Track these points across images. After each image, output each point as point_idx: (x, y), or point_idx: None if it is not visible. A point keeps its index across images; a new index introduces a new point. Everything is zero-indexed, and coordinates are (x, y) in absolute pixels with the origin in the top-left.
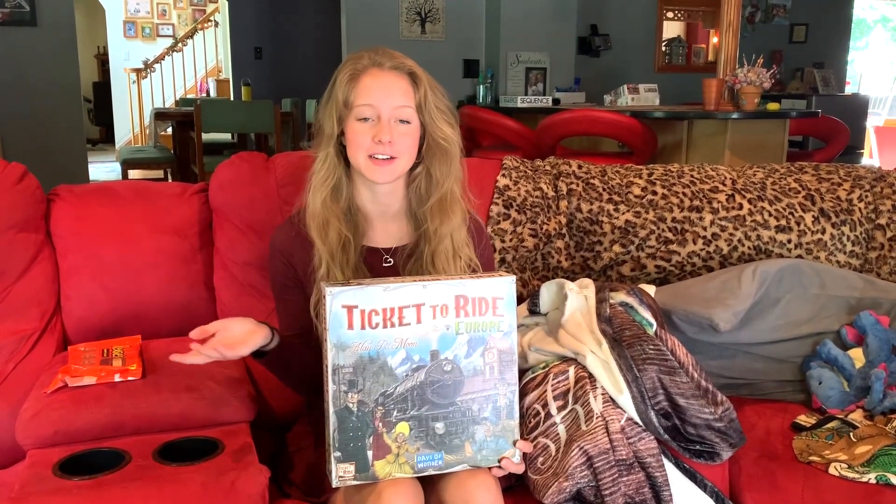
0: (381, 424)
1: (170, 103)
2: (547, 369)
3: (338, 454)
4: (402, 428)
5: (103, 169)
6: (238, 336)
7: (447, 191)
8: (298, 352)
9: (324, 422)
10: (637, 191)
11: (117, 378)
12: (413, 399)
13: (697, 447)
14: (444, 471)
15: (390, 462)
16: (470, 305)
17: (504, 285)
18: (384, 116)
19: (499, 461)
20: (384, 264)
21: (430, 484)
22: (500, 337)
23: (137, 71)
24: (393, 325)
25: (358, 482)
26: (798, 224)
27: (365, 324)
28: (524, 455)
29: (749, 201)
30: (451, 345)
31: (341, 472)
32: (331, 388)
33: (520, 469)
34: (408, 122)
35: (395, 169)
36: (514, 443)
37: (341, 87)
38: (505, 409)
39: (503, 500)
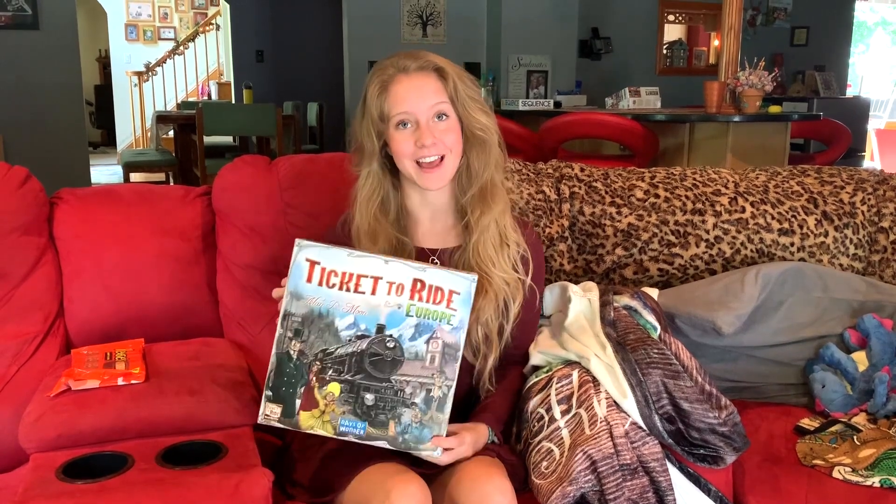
0: (314, 379)
1: (171, 106)
2: (550, 373)
3: (269, 394)
4: (334, 388)
5: (105, 172)
6: None
7: (486, 180)
8: None
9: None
10: (639, 194)
11: (120, 381)
12: (350, 364)
13: (701, 451)
14: (364, 442)
15: (315, 416)
16: (425, 292)
17: (464, 282)
18: (422, 120)
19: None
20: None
21: (440, 485)
22: (449, 330)
23: (139, 74)
24: (348, 290)
25: (281, 425)
26: (801, 227)
27: (323, 281)
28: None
29: (752, 204)
30: (399, 324)
31: (268, 412)
32: (278, 331)
33: (441, 462)
34: (446, 116)
35: (444, 171)
36: (433, 440)
37: (373, 102)
38: (437, 401)
39: None
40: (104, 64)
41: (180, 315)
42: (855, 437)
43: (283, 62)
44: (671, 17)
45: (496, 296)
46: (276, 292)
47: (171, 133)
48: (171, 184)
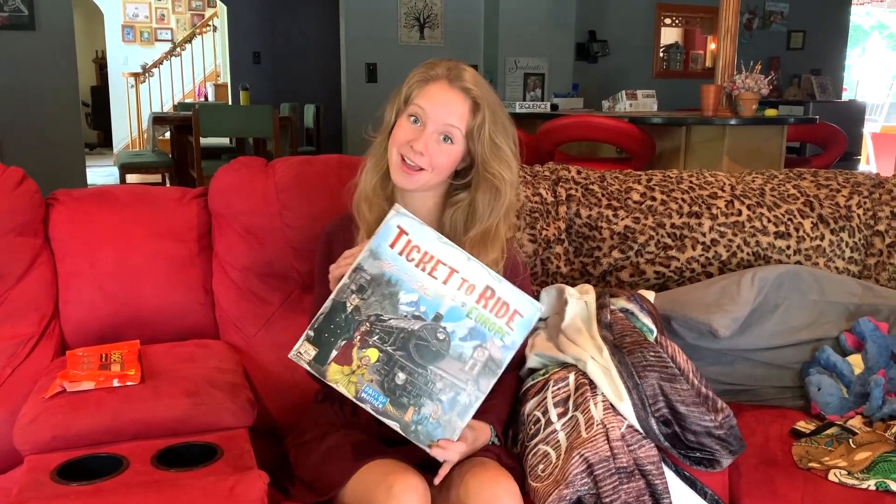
0: (358, 337)
1: (168, 108)
2: (547, 376)
3: (310, 333)
4: (372, 353)
5: (101, 173)
6: None
7: (491, 226)
8: None
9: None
10: (636, 196)
11: (116, 383)
12: (397, 338)
13: (697, 454)
14: (379, 416)
15: (344, 373)
16: (493, 301)
17: (531, 308)
18: (429, 127)
19: (429, 446)
20: None
21: (441, 485)
22: (500, 346)
23: (136, 75)
24: (423, 270)
25: (309, 368)
26: (797, 230)
27: (404, 251)
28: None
29: (748, 207)
30: (457, 320)
31: (301, 350)
32: (343, 280)
33: (431, 453)
34: (450, 141)
35: (415, 180)
36: (439, 441)
37: (409, 84)
38: (461, 407)
39: None
40: (101, 65)
41: (176, 317)
42: (851, 440)
43: (280, 64)
44: (668, 21)
45: None
46: (335, 270)
47: (168, 134)
48: (168, 185)
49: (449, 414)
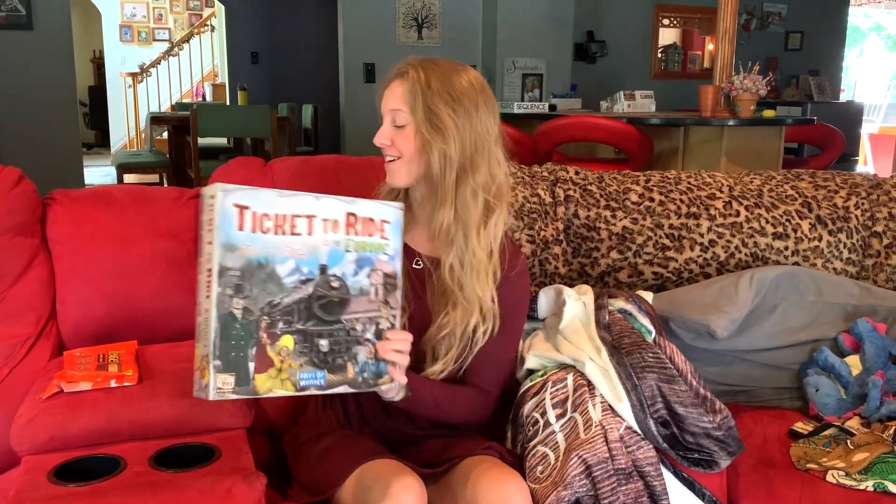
0: (265, 335)
1: (166, 107)
2: (545, 377)
3: (217, 363)
4: (287, 341)
5: (99, 173)
6: None
7: (439, 189)
8: None
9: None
10: (634, 197)
11: (113, 384)
12: (300, 312)
13: (696, 455)
14: (325, 391)
15: (272, 377)
16: (359, 225)
17: (392, 210)
18: (384, 120)
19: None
20: (414, 265)
21: (442, 485)
22: (386, 260)
23: (133, 75)
24: (284, 233)
25: (236, 396)
26: (795, 231)
27: (256, 227)
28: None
29: (746, 208)
30: (340, 261)
31: (220, 384)
32: (216, 290)
33: (394, 377)
34: (401, 127)
35: (396, 170)
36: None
37: (377, 99)
38: (386, 333)
39: None
40: (98, 65)
41: (174, 317)
42: (849, 441)
43: (278, 64)
44: (666, 21)
45: (465, 315)
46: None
47: (166, 134)
48: (165, 185)
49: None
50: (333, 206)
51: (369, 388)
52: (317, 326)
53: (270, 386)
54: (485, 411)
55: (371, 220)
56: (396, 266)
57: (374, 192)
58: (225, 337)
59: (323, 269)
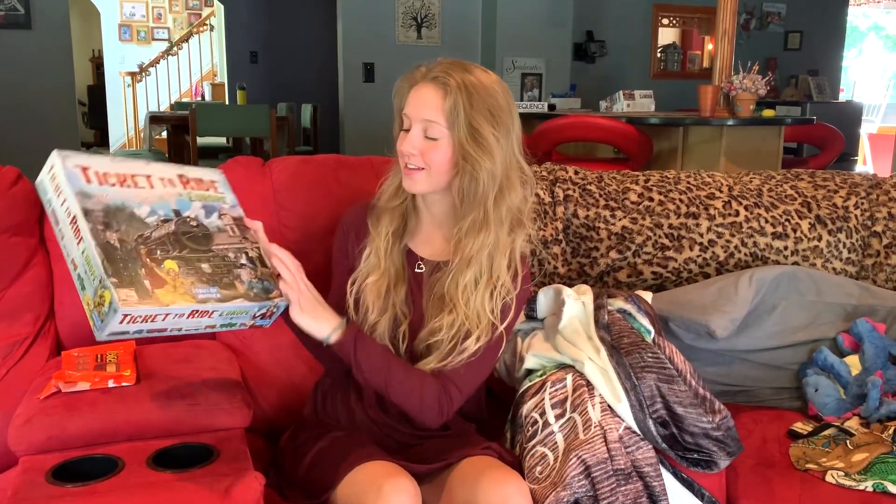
0: (148, 260)
1: (165, 107)
2: (544, 377)
3: (114, 280)
4: (171, 265)
5: None
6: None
7: (478, 215)
8: None
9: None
10: (634, 197)
11: (111, 384)
12: (171, 243)
13: (695, 456)
14: (225, 304)
15: (170, 292)
16: (193, 183)
17: (216, 173)
18: (413, 128)
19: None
20: (416, 269)
21: (447, 490)
22: (228, 208)
23: (132, 74)
24: (129, 187)
25: (145, 308)
26: (794, 231)
27: (102, 182)
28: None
29: (745, 208)
30: (189, 208)
31: (123, 297)
32: (86, 227)
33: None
34: (434, 139)
35: (416, 181)
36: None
37: (398, 95)
38: (258, 259)
39: None
40: (97, 64)
41: None
42: (848, 441)
43: (277, 63)
44: (665, 21)
45: (456, 323)
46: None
47: (165, 134)
48: None
49: (258, 269)
50: (164, 169)
51: (263, 302)
52: (193, 254)
53: (173, 298)
54: (440, 405)
55: (200, 179)
56: (241, 212)
57: (378, 190)
58: (112, 261)
59: (177, 212)
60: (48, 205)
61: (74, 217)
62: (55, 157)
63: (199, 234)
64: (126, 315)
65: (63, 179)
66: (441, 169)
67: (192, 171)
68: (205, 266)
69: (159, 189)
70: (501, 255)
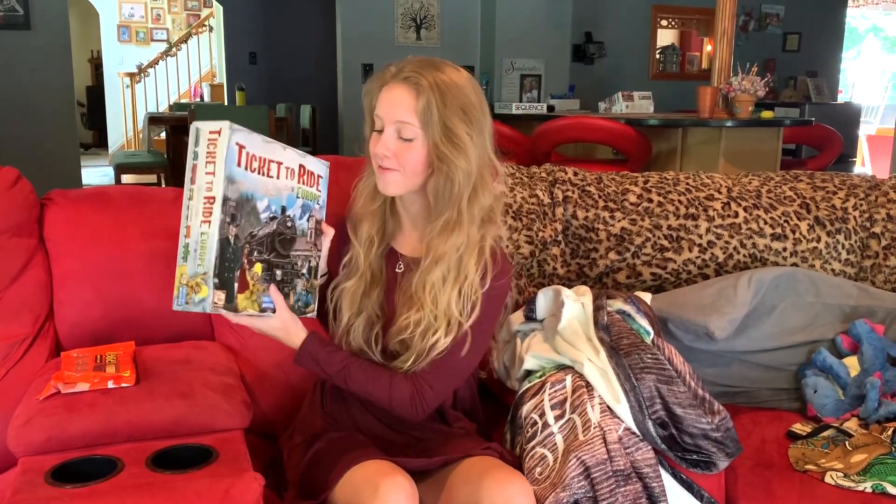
0: (246, 261)
1: (164, 108)
2: (544, 378)
3: (216, 281)
4: (258, 268)
5: (96, 173)
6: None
7: (450, 216)
8: None
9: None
10: (633, 198)
11: (110, 385)
12: (267, 244)
13: (694, 457)
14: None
15: (247, 297)
16: (306, 176)
17: (324, 167)
18: (386, 129)
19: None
20: (396, 269)
21: (447, 491)
22: (318, 209)
23: (131, 75)
24: (262, 174)
25: (224, 311)
26: (793, 232)
27: (248, 166)
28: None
29: (744, 209)
30: (293, 205)
31: (216, 300)
32: (218, 216)
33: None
34: (408, 140)
35: (394, 181)
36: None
37: (368, 96)
38: (314, 270)
39: None
40: (96, 65)
41: (171, 317)
42: (847, 443)
43: (276, 64)
44: (664, 22)
45: (423, 321)
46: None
47: (163, 135)
48: (163, 186)
49: (311, 280)
50: (293, 157)
51: (301, 315)
52: (276, 258)
53: (246, 305)
54: (412, 402)
55: (312, 173)
56: (323, 215)
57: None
58: (222, 258)
59: (283, 209)
60: (193, 155)
61: (213, 198)
62: (226, 127)
63: (288, 236)
64: (212, 312)
65: (222, 154)
66: (416, 170)
67: (310, 163)
68: (278, 272)
69: (282, 180)
70: (470, 254)
